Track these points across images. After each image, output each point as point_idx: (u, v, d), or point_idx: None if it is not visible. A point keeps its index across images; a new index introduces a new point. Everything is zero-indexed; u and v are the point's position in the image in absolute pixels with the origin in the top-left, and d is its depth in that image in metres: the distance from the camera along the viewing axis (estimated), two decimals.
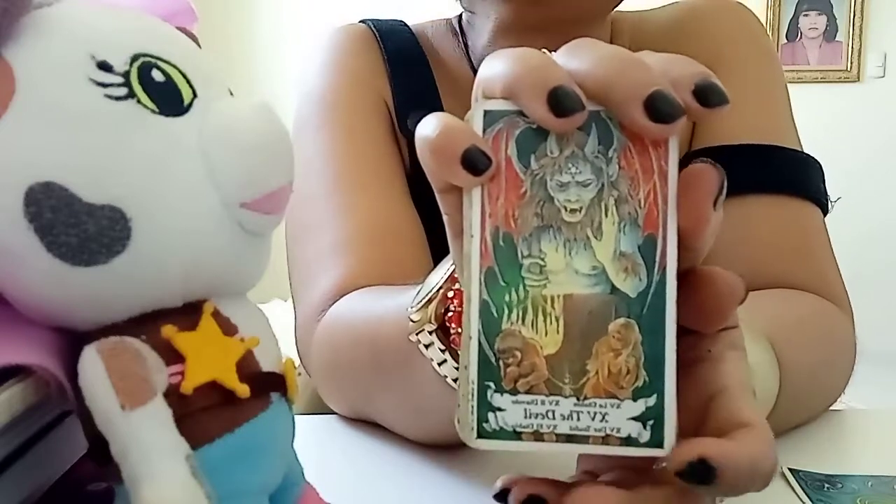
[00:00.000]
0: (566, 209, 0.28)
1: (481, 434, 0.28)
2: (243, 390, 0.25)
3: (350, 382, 0.56)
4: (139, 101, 0.25)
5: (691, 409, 0.29)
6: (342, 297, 0.58)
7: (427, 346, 0.40)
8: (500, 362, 0.28)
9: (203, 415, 0.25)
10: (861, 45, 3.59)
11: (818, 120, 2.56)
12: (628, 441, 0.28)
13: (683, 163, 0.28)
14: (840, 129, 3.43)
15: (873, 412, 0.62)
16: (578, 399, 0.28)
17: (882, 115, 3.57)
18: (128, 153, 0.24)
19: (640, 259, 0.28)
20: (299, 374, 0.34)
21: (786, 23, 3.63)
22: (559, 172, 0.28)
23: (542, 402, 0.28)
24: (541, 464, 0.30)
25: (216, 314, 0.26)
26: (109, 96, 0.24)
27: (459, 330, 0.38)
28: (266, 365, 0.27)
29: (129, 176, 0.24)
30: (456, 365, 0.39)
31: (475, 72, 0.76)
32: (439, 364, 0.40)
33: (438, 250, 0.63)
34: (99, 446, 0.23)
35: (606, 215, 0.28)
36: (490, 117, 0.28)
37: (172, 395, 0.24)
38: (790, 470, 0.47)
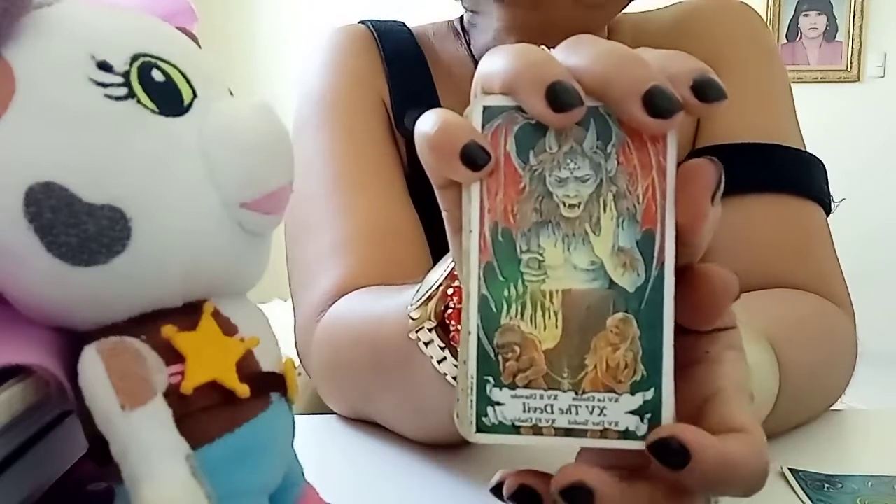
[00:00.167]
0: (565, 204, 0.28)
1: (480, 428, 0.28)
2: (243, 390, 0.25)
3: (350, 382, 0.56)
4: (139, 101, 0.25)
5: (687, 409, 0.29)
6: (342, 297, 0.58)
7: (427, 344, 0.40)
8: (499, 357, 0.28)
9: (203, 415, 0.25)
10: (861, 45, 3.59)
11: (818, 120, 2.56)
12: (626, 434, 0.28)
13: (685, 162, 0.28)
14: (840, 129, 3.43)
15: (873, 412, 0.62)
16: (577, 393, 0.28)
17: (882, 115, 3.57)
18: (128, 153, 0.24)
19: (639, 254, 0.28)
20: (299, 374, 0.34)
21: (786, 23, 3.63)
22: (558, 168, 0.28)
23: (541, 397, 0.28)
24: (540, 460, 0.30)
25: (216, 314, 0.26)
26: (109, 96, 0.24)
27: (459, 327, 0.38)
28: (266, 365, 0.27)
29: (129, 176, 0.24)
30: (455, 363, 0.39)
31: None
32: (439, 362, 0.40)
33: (438, 249, 0.63)
34: (99, 446, 0.23)
35: (605, 210, 0.28)
36: (489, 113, 0.28)
37: (172, 395, 0.24)
38: (790, 470, 0.47)
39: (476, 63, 0.71)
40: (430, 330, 0.40)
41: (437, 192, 0.31)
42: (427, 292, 0.40)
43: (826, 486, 0.46)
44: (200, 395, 0.25)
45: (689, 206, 0.28)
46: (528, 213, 0.28)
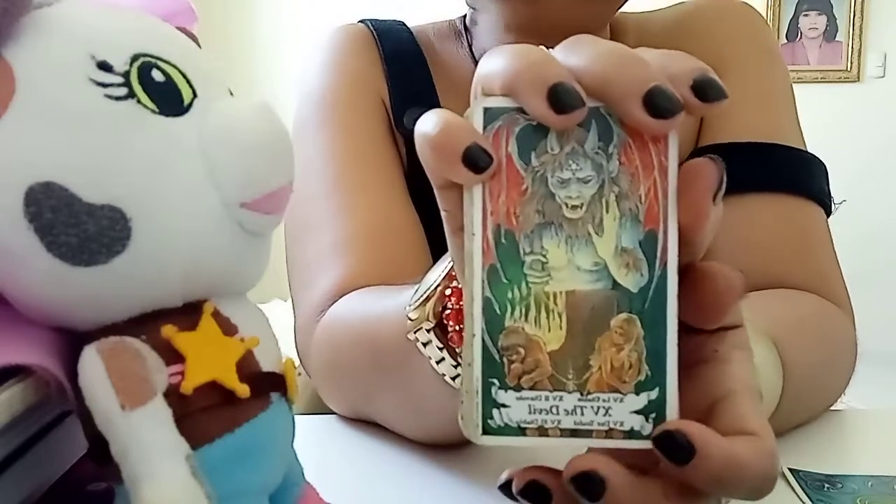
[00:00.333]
0: (567, 206, 0.28)
1: (486, 430, 0.28)
2: (243, 390, 0.25)
3: (350, 382, 0.56)
4: (139, 101, 0.25)
5: (696, 409, 0.29)
6: (342, 297, 0.58)
7: (425, 345, 0.40)
8: (504, 359, 0.28)
9: (203, 415, 0.25)
10: (861, 45, 3.59)
11: (818, 120, 2.55)
12: (631, 434, 0.28)
13: (686, 162, 0.28)
14: (840, 129, 3.43)
15: (873, 412, 0.62)
16: (582, 394, 0.28)
17: (882, 115, 3.57)
18: (128, 153, 0.24)
19: (642, 254, 0.28)
20: (299, 374, 0.34)
21: (786, 23, 3.63)
22: (560, 169, 0.28)
23: (546, 398, 0.28)
24: (542, 459, 0.30)
25: (216, 314, 0.26)
26: (109, 96, 0.24)
27: (457, 327, 0.38)
28: (266, 365, 0.27)
29: (129, 176, 0.24)
30: (453, 363, 0.39)
31: None
32: (437, 362, 0.40)
33: (438, 249, 0.63)
34: (99, 446, 0.23)
35: (607, 211, 0.28)
36: (490, 114, 0.28)
37: (172, 395, 0.24)
38: (790, 470, 0.47)
39: (477, 63, 0.71)
40: (428, 330, 0.40)
41: (437, 192, 0.31)
42: (425, 293, 0.40)
43: (826, 486, 0.46)
44: (200, 395, 0.25)
45: (692, 206, 0.28)
46: (530, 215, 0.28)
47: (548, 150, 0.28)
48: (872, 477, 0.47)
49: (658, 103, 0.27)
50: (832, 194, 0.66)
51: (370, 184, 0.65)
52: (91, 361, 0.23)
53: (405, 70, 0.71)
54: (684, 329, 0.29)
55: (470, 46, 0.73)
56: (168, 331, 0.25)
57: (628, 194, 0.28)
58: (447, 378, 0.40)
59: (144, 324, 0.25)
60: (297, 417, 0.29)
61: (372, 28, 0.73)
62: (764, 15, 3.37)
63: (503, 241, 0.28)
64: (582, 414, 0.28)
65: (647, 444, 0.28)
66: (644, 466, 0.29)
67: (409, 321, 0.41)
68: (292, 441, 0.29)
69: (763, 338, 0.48)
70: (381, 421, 0.55)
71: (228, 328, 0.26)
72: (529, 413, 0.28)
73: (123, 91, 0.25)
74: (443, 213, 0.31)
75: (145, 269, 0.25)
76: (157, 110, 0.25)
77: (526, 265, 0.28)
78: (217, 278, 0.27)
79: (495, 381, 0.28)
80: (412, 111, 0.68)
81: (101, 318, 0.25)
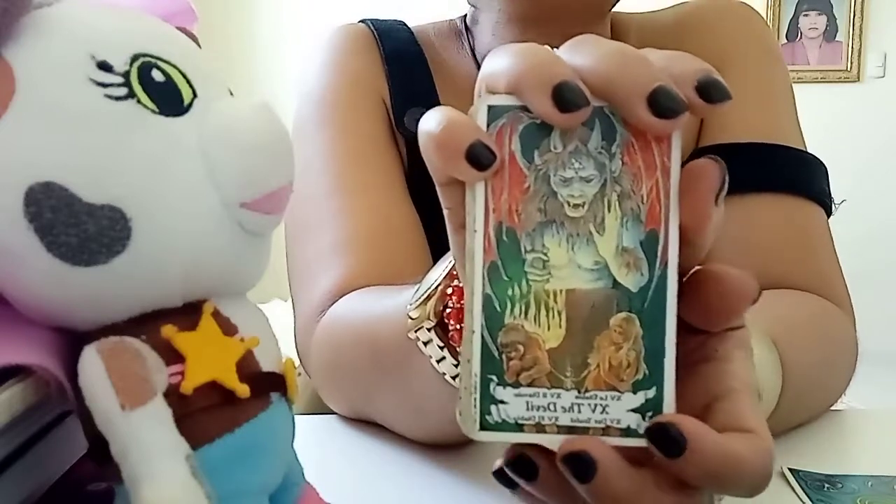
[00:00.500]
0: (569, 204, 0.28)
1: (484, 426, 0.28)
2: (243, 390, 0.25)
3: (350, 382, 0.56)
4: (139, 101, 0.25)
5: (695, 407, 0.29)
6: (342, 297, 0.58)
7: (426, 344, 0.40)
8: (503, 356, 0.28)
9: (203, 415, 0.25)
10: (861, 45, 3.59)
11: (818, 120, 2.55)
12: (628, 432, 0.28)
13: (688, 162, 0.28)
14: (840, 129, 3.43)
15: (873, 412, 0.62)
16: (580, 392, 0.28)
17: (882, 115, 3.57)
18: (128, 153, 0.24)
19: (642, 254, 0.28)
20: (299, 374, 0.34)
21: (786, 23, 3.63)
22: (562, 168, 0.28)
23: (544, 395, 0.28)
24: None
25: (216, 314, 0.26)
26: (109, 96, 0.24)
27: (458, 326, 0.38)
28: (266, 365, 0.27)
29: (129, 176, 0.24)
30: (454, 362, 0.39)
31: (479, 69, 0.75)
32: (438, 361, 0.40)
33: (438, 249, 0.63)
34: (99, 446, 0.23)
35: (609, 210, 0.28)
36: (494, 112, 0.28)
37: (172, 395, 0.24)
38: (790, 470, 0.47)
39: (478, 63, 0.72)
40: (428, 329, 0.40)
41: (438, 189, 0.31)
42: (426, 292, 0.40)
43: (826, 486, 0.46)
44: (200, 395, 0.25)
45: (694, 207, 0.28)
46: (532, 213, 0.28)
47: (551, 149, 0.28)
48: (872, 477, 0.47)
49: (662, 103, 0.27)
50: (832, 194, 0.66)
51: (370, 184, 0.65)
52: (91, 361, 0.23)
53: (406, 70, 0.71)
54: (686, 329, 0.29)
55: (471, 46, 0.73)
56: (168, 331, 0.25)
57: (630, 194, 0.28)
58: (447, 377, 0.40)
59: (144, 324, 0.25)
60: (297, 417, 0.29)
61: (372, 28, 0.73)
62: (764, 15, 3.38)
63: (504, 238, 0.28)
64: (579, 411, 0.28)
65: (643, 443, 0.28)
66: (640, 459, 0.29)
67: (409, 320, 0.41)
68: (292, 441, 0.29)
69: (763, 337, 0.48)
70: (381, 421, 0.55)
71: (228, 328, 0.26)
72: (527, 410, 0.28)
73: (123, 91, 0.25)
74: (444, 211, 0.31)
75: (145, 269, 0.25)
76: (157, 110, 0.25)
77: (527, 263, 0.28)
78: (217, 278, 0.27)
79: (494, 377, 0.28)
80: (413, 111, 0.68)
81: (101, 318, 0.25)
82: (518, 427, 0.28)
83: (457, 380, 0.39)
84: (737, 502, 0.31)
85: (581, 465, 0.27)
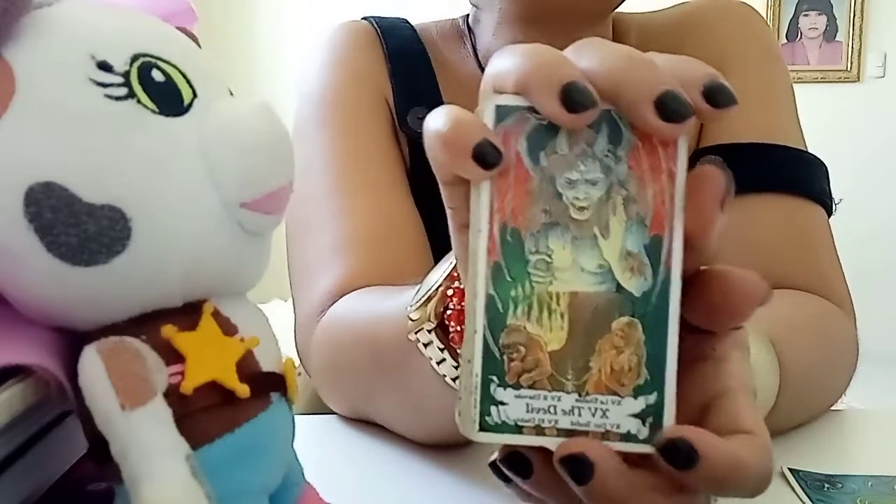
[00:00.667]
0: (574, 207, 0.28)
1: (483, 427, 0.28)
2: (243, 390, 0.25)
3: (350, 383, 0.56)
4: (139, 101, 0.25)
5: (693, 406, 0.29)
6: (342, 296, 0.58)
7: (426, 345, 0.40)
8: (504, 357, 0.28)
9: (203, 415, 0.25)
10: (861, 45, 3.59)
11: (818, 120, 2.55)
12: (627, 437, 0.28)
13: (688, 163, 0.28)
14: (840, 129, 3.43)
15: (873, 412, 0.62)
16: (580, 395, 0.28)
17: (882, 115, 3.57)
18: (128, 153, 0.24)
19: (646, 259, 0.28)
20: (299, 374, 0.34)
21: (786, 23, 3.63)
22: (568, 170, 0.28)
23: (545, 398, 0.28)
24: None
25: (216, 314, 0.26)
26: (109, 96, 0.24)
27: (458, 328, 0.38)
28: (266, 365, 0.27)
29: (129, 176, 0.24)
30: (454, 364, 0.39)
31: (482, 69, 0.76)
32: (438, 363, 0.40)
33: (439, 249, 0.63)
34: (99, 446, 0.23)
35: (614, 214, 0.28)
36: (501, 112, 0.28)
37: (172, 395, 0.24)
38: (790, 470, 0.47)
39: (480, 63, 0.72)
40: (429, 331, 0.40)
41: (442, 189, 0.31)
42: (426, 293, 0.40)
43: (826, 486, 0.46)
44: (200, 395, 0.25)
45: (698, 212, 0.28)
46: (537, 215, 0.28)
47: (557, 151, 0.28)
48: (872, 477, 0.47)
49: (669, 107, 0.27)
50: (833, 194, 0.66)
51: (371, 183, 0.65)
52: (91, 361, 0.23)
53: (409, 68, 0.70)
54: (685, 327, 0.29)
55: (473, 46, 0.72)
56: (168, 331, 0.25)
57: (636, 198, 0.28)
58: (448, 379, 0.40)
59: (144, 324, 0.25)
60: (297, 417, 0.29)
61: (375, 25, 0.73)
62: (764, 15, 3.37)
63: (509, 239, 0.28)
64: (579, 415, 0.28)
65: (642, 448, 0.28)
66: (637, 460, 0.29)
67: (410, 322, 0.41)
68: (292, 441, 0.29)
69: (760, 337, 0.48)
70: (381, 421, 0.55)
71: (228, 328, 0.26)
72: (527, 412, 0.28)
73: (123, 91, 0.25)
74: (448, 211, 0.31)
75: (145, 269, 0.25)
76: (157, 110, 0.25)
77: (530, 264, 0.28)
78: (217, 278, 0.27)
79: (494, 378, 0.28)
80: (416, 110, 0.68)
81: (101, 318, 0.25)
82: (517, 429, 0.28)
83: (457, 381, 0.39)
84: (737, 503, 0.31)
85: (578, 466, 0.27)
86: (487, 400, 0.28)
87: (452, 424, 0.29)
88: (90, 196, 0.24)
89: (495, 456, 0.30)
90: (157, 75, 0.25)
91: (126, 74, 0.25)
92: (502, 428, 0.28)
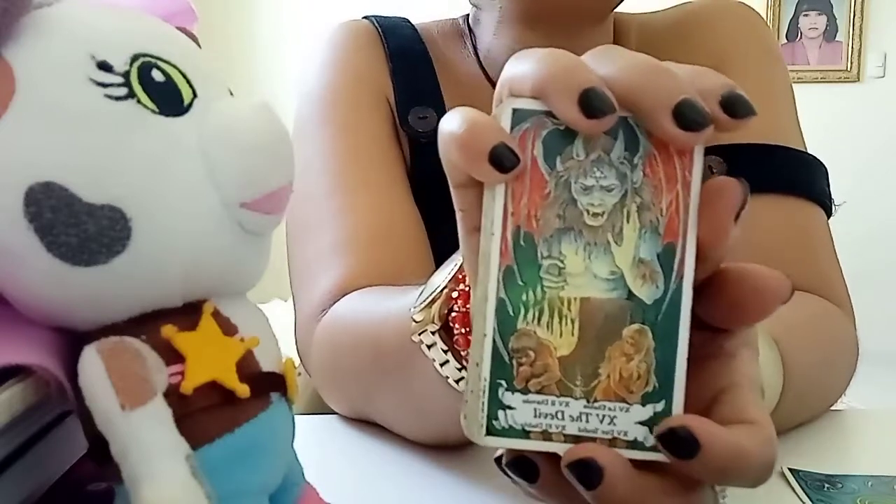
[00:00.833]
0: (588, 213, 0.28)
1: (490, 431, 0.28)
2: (243, 390, 0.25)
3: (351, 383, 0.56)
4: (139, 101, 0.25)
5: (700, 402, 0.29)
6: (343, 296, 0.58)
7: (429, 347, 0.40)
8: (514, 361, 0.28)
9: (203, 415, 0.25)
10: (861, 45, 3.59)
11: (818, 120, 2.55)
12: (634, 444, 0.28)
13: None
14: (840, 129, 3.43)
15: (873, 412, 0.62)
16: (588, 401, 0.28)
17: (882, 115, 3.57)
18: (128, 153, 0.24)
19: (659, 267, 0.28)
20: (299, 374, 0.34)
21: (786, 23, 3.63)
22: (584, 176, 0.28)
23: (553, 403, 0.28)
24: None
25: (216, 314, 0.26)
26: (109, 96, 0.24)
27: (463, 330, 0.38)
28: (266, 365, 0.27)
29: (129, 176, 0.24)
30: (458, 366, 0.39)
31: (483, 69, 0.75)
32: (441, 365, 0.40)
33: (440, 249, 0.63)
34: (99, 446, 0.23)
35: (628, 221, 0.28)
36: (518, 116, 0.28)
37: (172, 395, 0.24)
38: (790, 470, 0.47)
39: (480, 63, 0.72)
40: (433, 333, 0.40)
41: (454, 191, 0.30)
42: (431, 295, 0.40)
43: (826, 486, 0.46)
44: (200, 395, 0.25)
45: (712, 223, 0.28)
46: (551, 219, 0.28)
47: (573, 156, 0.28)
48: (872, 477, 0.47)
49: (687, 116, 0.27)
50: (832, 195, 0.66)
51: (372, 182, 0.65)
52: (91, 361, 0.23)
53: (410, 68, 0.70)
54: (696, 325, 0.29)
55: (474, 46, 0.72)
56: (168, 331, 0.25)
57: (650, 206, 0.28)
58: (451, 381, 0.40)
59: (144, 324, 0.25)
60: (297, 417, 0.29)
61: (376, 24, 0.73)
62: (764, 15, 3.38)
63: (522, 243, 0.28)
64: (587, 421, 0.28)
65: (649, 456, 0.28)
66: (644, 462, 0.29)
67: (413, 323, 0.41)
68: (292, 441, 0.29)
69: (764, 337, 0.48)
70: (381, 421, 0.55)
71: (228, 328, 0.26)
72: (535, 417, 0.28)
73: (123, 91, 0.25)
74: (458, 213, 0.31)
75: (145, 269, 0.25)
76: (157, 110, 0.25)
77: (543, 269, 0.28)
78: (217, 278, 0.27)
79: (503, 382, 0.28)
80: (417, 110, 0.68)
81: (101, 318, 0.25)
82: (524, 434, 0.28)
83: (460, 383, 0.39)
84: (738, 501, 0.31)
85: (587, 471, 0.27)
86: (495, 404, 0.28)
87: (454, 426, 0.29)
88: (90, 196, 0.24)
89: (501, 452, 0.30)
90: (157, 75, 0.25)
91: (126, 74, 0.25)
92: (509, 432, 0.28)
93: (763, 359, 0.46)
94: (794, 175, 0.64)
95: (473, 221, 0.29)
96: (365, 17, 0.74)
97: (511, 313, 0.28)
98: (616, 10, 0.68)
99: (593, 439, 0.28)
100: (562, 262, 0.28)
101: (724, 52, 0.68)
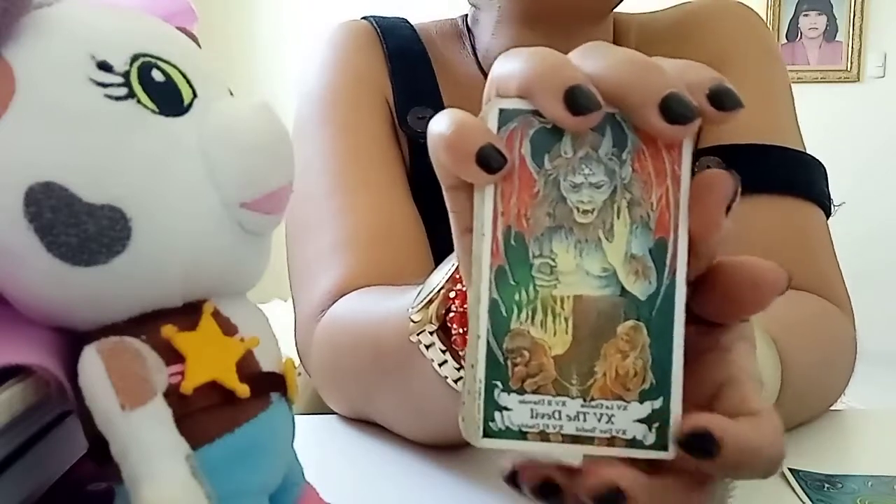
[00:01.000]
0: (578, 210, 0.28)
1: (487, 433, 0.28)
2: (243, 390, 0.25)
3: (350, 383, 0.56)
4: (139, 101, 0.25)
5: (700, 397, 0.29)
6: (342, 296, 0.58)
7: (428, 347, 0.40)
8: (508, 362, 0.28)
9: (203, 415, 0.25)
10: (861, 45, 3.59)
11: (818, 120, 2.56)
12: (633, 443, 0.28)
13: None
14: (840, 129, 3.43)
15: (873, 412, 0.62)
16: (585, 400, 0.28)
17: (882, 115, 3.56)
18: (128, 153, 0.24)
19: (651, 262, 0.28)
20: (299, 374, 0.34)
21: (786, 23, 3.63)
22: (573, 173, 0.28)
23: (549, 403, 0.28)
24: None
25: (216, 314, 0.26)
26: (109, 96, 0.24)
27: (461, 330, 0.38)
28: (266, 365, 0.27)
29: (129, 176, 0.24)
30: (456, 366, 0.39)
31: (482, 70, 0.75)
32: (440, 365, 0.40)
33: (439, 249, 0.63)
34: (99, 446, 0.23)
35: (618, 217, 0.28)
36: (505, 116, 0.28)
37: (172, 395, 0.24)
38: (790, 470, 0.47)
39: (480, 64, 0.72)
40: (431, 333, 0.40)
41: (445, 192, 0.30)
42: (429, 295, 0.40)
43: (826, 486, 0.46)
44: (200, 395, 0.25)
45: (703, 217, 0.28)
46: (541, 218, 0.28)
47: (561, 154, 0.28)
48: (872, 477, 0.47)
49: (674, 109, 0.27)
50: (831, 195, 0.66)
51: (371, 182, 0.65)
52: (91, 361, 0.23)
53: (409, 68, 0.70)
54: (691, 320, 0.29)
55: (473, 46, 0.72)
56: (168, 331, 0.25)
57: (640, 201, 0.28)
58: (449, 381, 0.40)
59: (144, 324, 0.25)
60: (297, 417, 0.29)
61: (375, 25, 0.73)
62: (764, 15, 3.38)
63: (513, 242, 0.28)
64: (584, 420, 0.28)
65: (648, 454, 0.28)
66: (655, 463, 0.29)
67: (411, 323, 0.41)
68: (292, 441, 0.29)
69: (762, 335, 0.48)
70: (381, 421, 0.55)
71: (228, 328, 0.26)
72: (531, 417, 0.28)
73: (123, 91, 0.25)
74: (450, 214, 0.31)
75: (145, 269, 0.25)
76: (157, 110, 0.25)
77: (534, 268, 0.28)
78: (217, 278, 0.27)
79: (498, 383, 0.28)
80: (416, 110, 0.68)
81: (101, 318, 0.25)
82: (522, 435, 0.28)
83: (458, 383, 0.39)
84: (738, 500, 0.31)
85: (611, 497, 0.26)
86: (491, 405, 0.28)
87: (453, 426, 0.29)
88: (90, 196, 0.24)
89: (510, 468, 0.30)
90: (157, 75, 0.25)
91: (126, 74, 0.25)
92: (506, 434, 0.28)
93: (761, 357, 0.46)
94: (793, 175, 0.64)
95: (466, 222, 0.29)
96: (364, 18, 0.74)
97: (504, 313, 0.28)
98: (616, 10, 0.68)
99: (591, 439, 0.28)
100: (553, 260, 0.28)
101: (723, 52, 0.68)
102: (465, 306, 0.37)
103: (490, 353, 0.28)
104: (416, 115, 0.67)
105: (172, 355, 0.25)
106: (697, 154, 0.65)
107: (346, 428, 0.57)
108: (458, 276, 0.38)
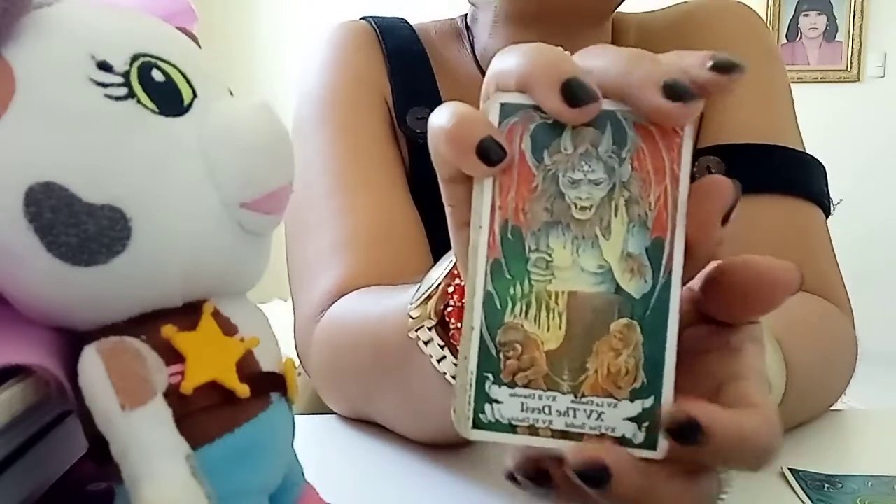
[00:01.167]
0: (576, 206, 0.28)
1: (477, 425, 0.28)
2: (243, 390, 0.25)
3: (350, 383, 0.56)
4: (139, 101, 0.25)
5: (704, 394, 0.29)
6: (342, 296, 0.58)
7: (426, 343, 0.40)
8: (501, 354, 0.28)
9: (203, 415, 0.25)
10: (861, 45, 3.59)
11: (818, 120, 2.56)
12: (623, 441, 0.28)
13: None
14: (840, 129, 3.43)
15: (873, 412, 0.62)
16: (576, 396, 0.28)
17: (882, 115, 3.57)
18: (128, 153, 0.24)
19: (647, 261, 0.28)
20: (299, 374, 0.34)
21: (786, 23, 3.63)
22: (572, 169, 0.28)
23: (540, 397, 0.28)
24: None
25: (216, 314, 0.26)
26: (109, 96, 0.24)
27: (459, 325, 0.38)
28: (266, 365, 0.27)
29: (129, 176, 0.24)
30: (455, 361, 0.39)
31: (480, 70, 0.75)
32: (438, 360, 0.40)
33: (439, 249, 0.63)
34: (99, 446, 0.23)
35: (616, 215, 0.28)
36: (506, 110, 0.28)
37: (172, 395, 0.24)
38: (790, 470, 0.47)
39: (478, 63, 0.72)
40: (429, 328, 0.40)
41: (443, 185, 0.31)
42: (427, 291, 0.40)
43: (826, 486, 0.46)
44: (200, 395, 0.25)
45: (701, 221, 0.28)
46: (538, 213, 0.28)
47: (561, 150, 0.28)
48: (872, 477, 0.47)
49: (677, 88, 0.27)
50: (831, 195, 0.66)
51: (371, 182, 0.65)
52: (91, 361, 0.23)
53: (408, 68, 0.70)
54: (702, 319, 0.28)
55: (472, 46, 0.72)
56: (168, 331, 0.25)
57: (638, 200, 0.28)
58: (448, 377, 0.40)
59: (144, 324, 0.25)
60: (297, 417, 0.29)
61: (374, 25, 0.73)
62: (764, 15, 3.38)
63: (509, 236, 0.28)
64: (574, 416, 0.28)
65: (637, 453, 0.27)
66: None
67: (410, 319, 0.41)
68: (292, 441, 0.29)
69: (768, 337, 0.48)
70: (381, 421, 0.55)
71: (228, 328, 0.26)
72: (521, 411, 0.28)
73: (123, 91, 0.25)
74: (447, 209, 0.31)
75: (145, 269, 0.25)
76: (157, 110, 0.25)
77: (530, 262, 0.28)
78: (217, 278, 0.27)
79: (490, 375, 0.28)
80: (415, 110, 0.68)
81: (101, 318, 0.25)
82: (511, 428, 0.28)
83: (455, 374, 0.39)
84: (738, 501, 0.31)
85: (595, 473, 0.27)
86: (482, 397, 0.28)
87: (452, 425, 0.29)
88: (90, 196, 0.24)
89: (509, 466, 0.30)
90: (157, 75, 0.25)
91: (126, 74, 0.25)
92: (496, 426, 0.28)
93: (768, 360, 0.47)
94: (793, 175, 0.64)
95: (463, 216, 0.30)
96: (363, 18, 0.74)
97: (498, 306, 0.28)
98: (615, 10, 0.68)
99: (580, 435, 0.28)
100: (549, 255, 0.28)
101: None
102: (462, 301, 0.37)
103: (483, 345, 0.28)
104: (415, 116, 0.67)
105: (172, 355, 0.25)
106: (697, 154, 0.65)
107: (346, 428, 0.57)
108: (456, 272, 0.38)
